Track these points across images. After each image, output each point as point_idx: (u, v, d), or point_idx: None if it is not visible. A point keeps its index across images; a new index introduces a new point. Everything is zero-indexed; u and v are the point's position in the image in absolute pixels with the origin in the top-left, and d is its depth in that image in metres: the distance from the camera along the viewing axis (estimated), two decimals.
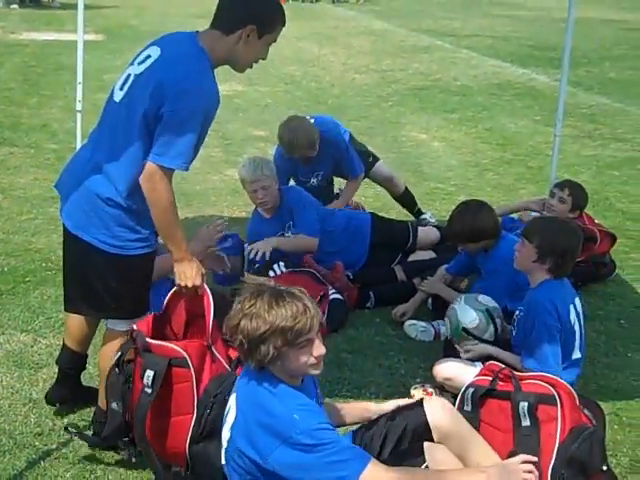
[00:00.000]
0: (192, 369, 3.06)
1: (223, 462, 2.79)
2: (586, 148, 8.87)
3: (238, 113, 10.17)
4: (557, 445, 3.05)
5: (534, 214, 5.83)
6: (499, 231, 4.54)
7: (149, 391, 3.06)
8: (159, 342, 3.14)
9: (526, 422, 3.13)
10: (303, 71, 13.31)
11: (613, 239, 5.41)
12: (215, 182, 7.33)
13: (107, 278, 3.17)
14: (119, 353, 3.19)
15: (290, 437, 2.51)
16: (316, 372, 2.70)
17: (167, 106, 2.92)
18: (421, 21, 20.57)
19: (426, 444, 2.86)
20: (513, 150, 8.76)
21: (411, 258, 5.31)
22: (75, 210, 3.15)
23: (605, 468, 3.05)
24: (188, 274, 3.17)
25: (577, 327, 3.73)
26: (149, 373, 3.03)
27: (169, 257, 3.20)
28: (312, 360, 2.63)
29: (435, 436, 2.90)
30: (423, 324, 4.56)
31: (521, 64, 14.14)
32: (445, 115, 10.38)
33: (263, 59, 3.15)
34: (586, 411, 3.27)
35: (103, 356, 3.37)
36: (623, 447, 3.52)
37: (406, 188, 6.30)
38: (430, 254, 5.32)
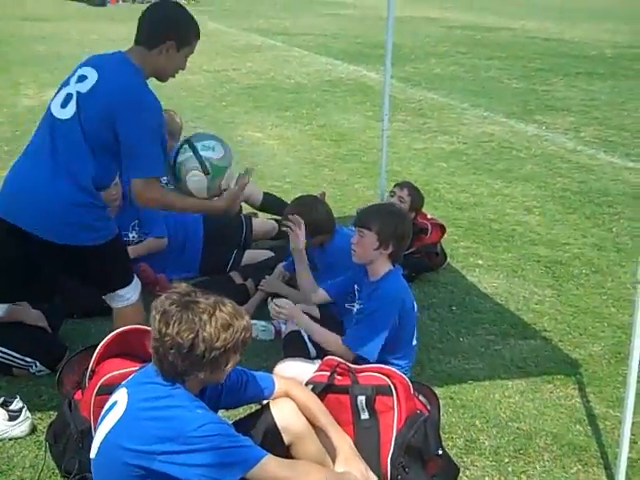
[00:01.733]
0: None
1: (93, 455, 2.64)
2: (416, 142, 9.16)
3: None
4: (395, 435, 3.13)
5: None
6: (334, 225, 4.59)
7: None
8: None
9: (365, 415, 3.18)
10: None
11: (443, 230, 5.60)
12: None
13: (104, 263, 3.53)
14: None
15: (190, 432, 2.44)
16: (222, 380, 2.72)
17: (123, 124, 3.27)
18: (252, 21, 20.63)
19: None
20: (347, 146, 8.92)
21: (249, 256, 5.29)
22: (54, 225, 3.35)
23: (440, 452, 3.16)
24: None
25: (414, 314, 3.80)
26: None
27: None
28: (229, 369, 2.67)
29: (286, 439, 2.87)
30: (263, 323, 4.51)
31: (352, 61, 14.44)
32: (279, 113, 10.44)
33: (182, 69, 3.56)
34: (421, 397, 3.37)
35: None
36: (458, 429, 3.62)
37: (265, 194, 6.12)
38: (267, 254, 5.32)
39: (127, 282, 3.66)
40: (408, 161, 8.29)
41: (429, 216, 5.67)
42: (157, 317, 2.53)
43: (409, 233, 3.85)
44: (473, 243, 6.04)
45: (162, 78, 3.55)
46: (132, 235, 5.11)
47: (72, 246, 3.40)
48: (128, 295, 3.63)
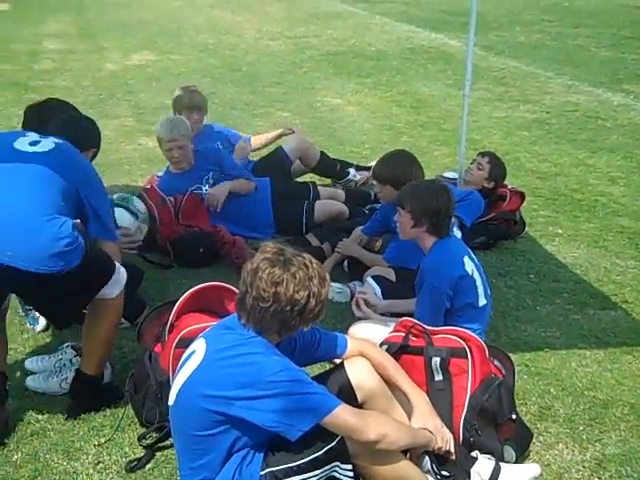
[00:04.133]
0: None
1: (171, 403, 2.75)
2: (497, 110, 9.00)
3: (151, 82, 10.00)
4: (468, 397, 3.13)
5: (448, 174, 5.95)
6: None
7: None
8: None
9: (439, 377, 3.19)
10: (217, 39, 13.11)
11: (522, 197, 5.51)
12: (129, 151, 7.21)
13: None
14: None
15: (267, 377, 2.51)
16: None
17: (87, 192, 3.30)
18: None
19: None
20: (427, 113, 8.82)
21: (321, 208, 5.38)
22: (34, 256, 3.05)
23: (514, 417, 3.15)
24: None
25: (477, 275, 3.72)
26: None
27: None
28: None
29: (359, 396, 2.90)
30: (339, 286, 4.54)
31: (434, 29, 14.21)
32: (360, 80, 10.37)
33: None
34: (496, 362, 3.35)
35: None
36: (532, 396, 3.60)
37: (321, 155, 6.20)
38: (340, 206, 5.47)
39: (107, 279, 3.35)
40: (489, 130, 8.15)
41: (510, 186, 5.60)
42: (263, 276, 2.57)
43: (448, 207, 3.72)
44: (553, 212, 5.93)
45: None
46: (205, 189, 5.25)
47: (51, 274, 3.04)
48: (109, 290, 3.35)
